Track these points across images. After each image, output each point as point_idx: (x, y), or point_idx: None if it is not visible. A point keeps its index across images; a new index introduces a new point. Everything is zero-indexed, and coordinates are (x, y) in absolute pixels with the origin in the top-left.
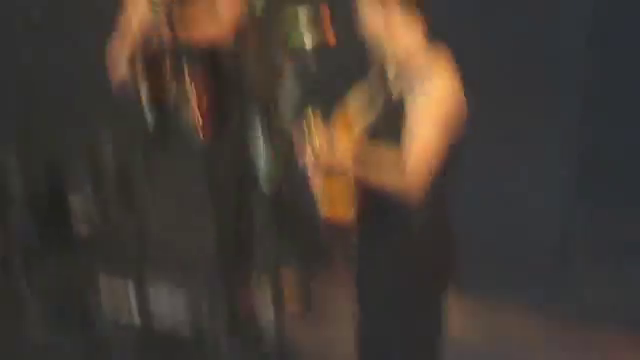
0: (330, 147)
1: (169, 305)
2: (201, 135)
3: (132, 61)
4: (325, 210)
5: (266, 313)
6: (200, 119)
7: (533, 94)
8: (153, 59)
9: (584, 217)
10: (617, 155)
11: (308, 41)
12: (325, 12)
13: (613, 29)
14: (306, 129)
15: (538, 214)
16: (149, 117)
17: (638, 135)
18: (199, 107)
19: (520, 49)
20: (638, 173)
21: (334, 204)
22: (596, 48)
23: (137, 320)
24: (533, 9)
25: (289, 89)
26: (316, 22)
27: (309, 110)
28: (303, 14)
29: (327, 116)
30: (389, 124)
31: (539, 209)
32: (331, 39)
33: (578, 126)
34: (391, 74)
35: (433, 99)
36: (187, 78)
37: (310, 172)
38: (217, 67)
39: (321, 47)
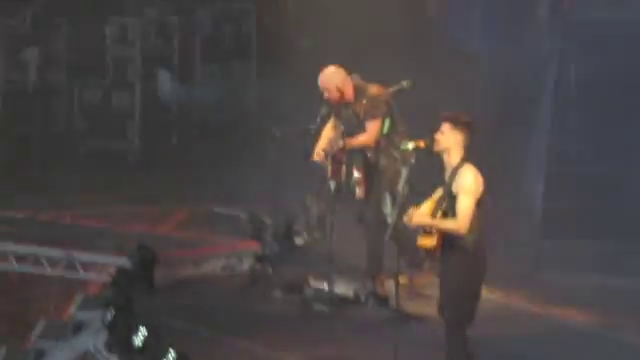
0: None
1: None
2: (360, 194)
3: (326, 154)
4: (421, 242)
5: (391, 291)
6: (361, 186)
7: None
8: (335, 155)
9: None
10: None
11: (411, 145)
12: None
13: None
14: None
15: None
16: (332, 185)
17: None
18: (360, 181)
19: None
20: None
21: (425, 240)
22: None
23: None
24: None
25: (403, 176)
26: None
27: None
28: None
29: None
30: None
31: None
32: (422, 144)
33: None
34: (448, 173)
35: (465, 185)
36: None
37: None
38: (367, 159)
39: (417, 150)
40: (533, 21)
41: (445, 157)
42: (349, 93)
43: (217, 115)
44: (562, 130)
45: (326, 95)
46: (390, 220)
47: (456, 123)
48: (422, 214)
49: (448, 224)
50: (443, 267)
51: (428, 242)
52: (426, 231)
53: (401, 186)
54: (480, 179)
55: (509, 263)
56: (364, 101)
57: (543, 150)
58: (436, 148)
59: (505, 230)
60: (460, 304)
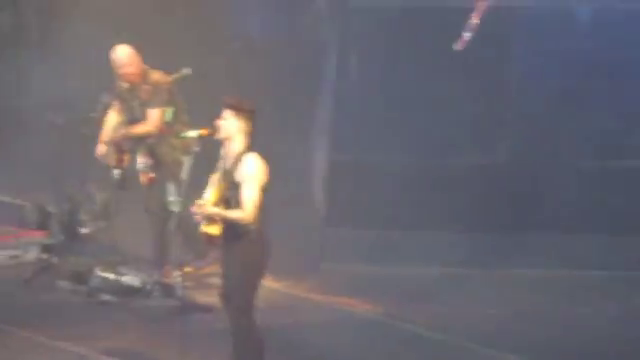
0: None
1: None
2: (144, 182)
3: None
4: (205, 230)
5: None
6: (145, 174)
7: None
8: (117, 142)
9: None
10: None
11: (193, 133)
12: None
13: None
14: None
15: None
16: (115, 173)
17: None
18: (144, 168)
19: None
20: None
21: (208, 228)
22: None
23: None
24: None
25: (187, 164)
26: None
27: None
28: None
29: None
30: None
31: None
32: (205, 132)
33: None
34: (230, 161)
35: (249, 173)
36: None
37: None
38: (150, 147)
39: (201, 138)
40: (311, 9)
41: (228, 144)
42: (138, 75)
43: None
44: (342, 119)
45: (120, 72)
46: (175, 209)
47: (238, 110)
48: (206, 204)
49: (234, 214)
50: (227, 255)
51: (212, 230)
52: (210, 219)
53: (184, 174)
54: (264, 167)
55: (293, 253)
56: (148, 87)
57: (325, 140)
58: (219, 135)
59: (289, 218)
60: (245, 292)
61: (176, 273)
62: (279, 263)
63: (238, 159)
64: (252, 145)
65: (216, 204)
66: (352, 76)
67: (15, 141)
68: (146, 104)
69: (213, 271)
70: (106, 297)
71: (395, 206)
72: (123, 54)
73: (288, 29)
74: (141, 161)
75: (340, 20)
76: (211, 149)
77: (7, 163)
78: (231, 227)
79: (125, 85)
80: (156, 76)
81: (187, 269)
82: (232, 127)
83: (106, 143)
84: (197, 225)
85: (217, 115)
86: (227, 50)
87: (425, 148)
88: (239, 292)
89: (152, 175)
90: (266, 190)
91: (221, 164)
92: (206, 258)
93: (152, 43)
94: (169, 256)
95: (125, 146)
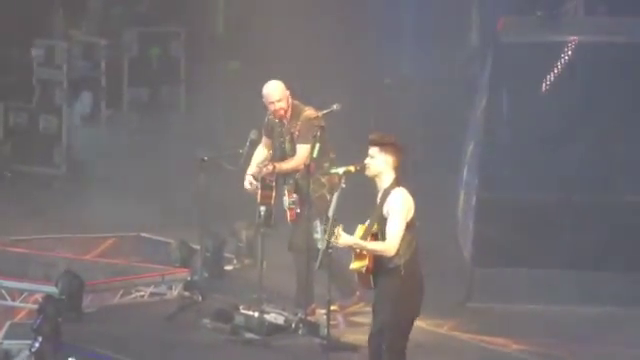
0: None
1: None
2: (291, 219)
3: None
4: (352, 266)
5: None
6: (291, 211)
7: None
8: (264, 179)
9: None
10: None
11: (341, 170)
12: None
13: None
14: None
15: None
16: (261, 210)
17: None
18: (290, 206)
19: None
20: None
21: (357, 263)
22: None
23: None
24: None
25: (334, 201)
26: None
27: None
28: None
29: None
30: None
31: None
32: (352, 169)
33: None
34: (379, 196)
35: (394, 207)
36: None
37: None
38: (297, 184)
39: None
40: (464, 45)
41: (377, 181)
42: (288, 110)
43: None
44: (492, 155)
45: (272, 108)
46: (320, 246)
47: (383, 145)
48: (341, 234)
49: (376, 245)
50: (377, 293)
51: (359, 265)
52: (357, 255)
53: (331, 211)
54: (410, 201)
55: (439, 291)
56: (299, 122)
57: (475, 177)
58: (367, 173)
59: (437, 256)
60: (396, 332)
61: (321, 311)
62: (426, 302)
63: (386, 194)
64: (401, 180)
65: (363, 238)
66: (503, 111)
67: (160, 178)
68: (296, 139)
69: (360, 309)
70: (250, 336)
71: (546, 244)
72: (274, 89)
73: (440, 65)
74: (288, 197)
75: (492, 55)
76: (358, 187)
77: (153, 201)
78: (380, 263)
79: (275, 120)
80: (307, 111)
81: (333, 307)
82: (379, 164)
83: (254, 178)
84: (344, 262)
85: (366, 152)
86: (378, 86)
87: (578, 184)
88: (390, 332)
89: (298, 211)
90: (412, 226)
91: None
92: (353, 296)
93: (302, 77)
94: (314, 294)
95: (272, 182)
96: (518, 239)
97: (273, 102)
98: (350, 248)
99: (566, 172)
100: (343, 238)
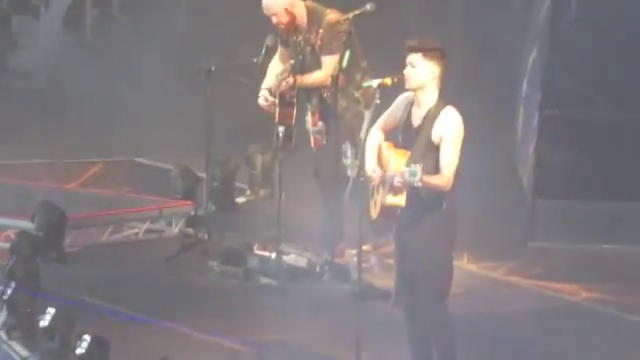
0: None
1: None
2: (316, 144)
3: (273, 94)
4: (389, 202)
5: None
6: (317, 134)
7: None
8: (284, 94)
9: None
10: None
11: (375, 83)
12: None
13: None
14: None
15: None
16: (280, 131)
17: None
18: (315, 127)
19: None
20: None
21: (394, 198)
22: None
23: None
24: None
25: (366, 120)
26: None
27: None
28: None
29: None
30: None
31: None
32: (389, 82)
33: None
34: (421, 116)
35: (450, 132)
36: (308, 107)
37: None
38: (323, 101)
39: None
40: None
41: (419, 96)
42: (302, 18)
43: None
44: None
45: (274, 21)
46: (352, 174)
47: (427, 52)
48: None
49: (435, 179)
50: (411, 233)
51: (398, 199)
52: (394, 187)
53: (364, 132)
54: (463, 128)
55: (495, 228)
56: (320, 30)
57: (537, 94)
58: (408, 86)
59: (492, 189)
60: (440, 275)
61: (351, 252)
62: (478, 241)
63: (433, 114)
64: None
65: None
66: (572, 8)
67: (159, 94)
68: (320, 49)
69: None
70: (266, 281)
71: (621, 173)
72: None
73: None
74: (313, 122)
75: None
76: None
77: (150, 120)
78: (420, 198)
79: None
80: (333, 15)
81: (365, 247)
82: (423, 74)
83: (270, 93)
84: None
85: (401, 60)
86: None
87: None
88: (431, 276)
89: (324, 142)
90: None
91: (403, 121)
92: (389, 233)
93: None
94: (343, 231)
95: (293, 98)
96: (589, 166)
97: (274, 14)
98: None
99: None
100: (424, 177)
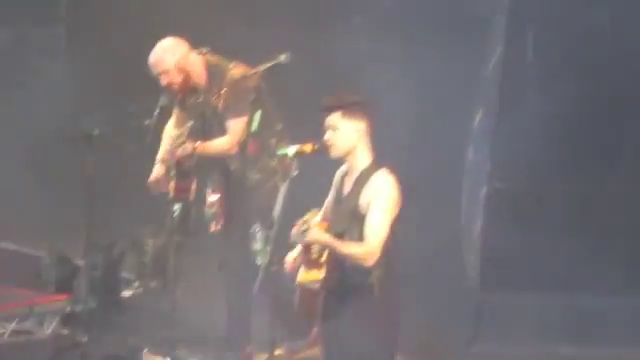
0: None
1: None
2: (218, 227)
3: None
4: (303, 279)
5: None
6: (219, 215)
7: None
8: (180, 165)
9: None
10: None
11: (291, 151)
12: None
13: None
14: (305, 224)
15: None
16: (176, 209)
17: None
18: (218, 207)
19: None
20: None
21: (308, 274)
22: None
23: None
24: None
25: (281, 195)
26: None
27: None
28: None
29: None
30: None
31: None
32: (309, 149)
33: None
34: (352, 181)
35: (380, 197)
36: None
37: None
38: (228, 173)
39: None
40: None
41: (351, 162)
42: (199, 75)
43: None
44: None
45: (164, 81)
46: (262, 262)
47: (348, 108)
48: (313, 224)
49: (352, 247)
50: (336, 321)
51: (313, 276)
52: (311, 261)
53: (277, 211)
54: (398, 192)
55: (434, 327)
56: (223, 88)
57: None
58: (332, 155)
59: (430, 274)
60: None
61: (261, 356)
62: (412, 341)
63: (365, 178)
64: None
65: None
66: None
67: (30, 158)
68: (223, 111)
69: (316, 355)
70: None
71: (582, 259)
72: (159, 55)
73: None
74: (212, 199)
75: None
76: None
77: (19, 193)
78: (342, 276)
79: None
80: (237, 70)
81: (278, 351)
82: (347, 136)
83: (164, 164)
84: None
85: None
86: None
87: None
88: None
89: (228, 214)
90: (395, 227)
91: (337, 189)
92: (307, 335)
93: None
94: (251, 332)
95: (192, 169)
96: (545, 250)
97: (163, 73)
98: (305, 249)
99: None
100: (315, 232)
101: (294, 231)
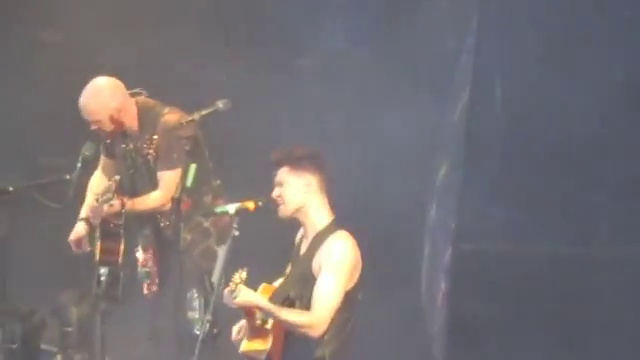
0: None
1: None
2: (150, 291)
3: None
4: (245, 349)
5: None
6: (151, 278)
7: None
8: (107, 223)
9: None
10: None
11: (232, 209)
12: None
13: None
14: (233, 285)
15: None
16: (102, 273)
17: None
18: (149, 269)
19: None
20: None
21: (252, 344)
22: None
23: None
24: None
25: (220, 258)
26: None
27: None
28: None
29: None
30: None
31: None
32: (251, 206)
33: None
34: (306, 244)
35: (332, 260)
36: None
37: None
38: (159, 232)
39: (243, 214)
40: None
41: (304, 222)
42: (131, 120)
43: None
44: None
45: (93, 127)
46: (199, 331)
47: (298, 162)
48: (253, 293)
49: (296, 316)
50: None
51: (257, 347)
52: (256, 330)
53: (216, 276)
54: (358, 257)
55: None
56: (155, 135)
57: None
58: (281, 214)
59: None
60: None
61: None
62: None
63: (320, 240)
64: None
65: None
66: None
67: None
68: (156, 162)
69: None
70: None
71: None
72: (90, 100)
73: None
74: (144, 262)
75: None
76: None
77: None
78: (291, 350)
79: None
80: (167, 116)
81: None
82: (296, 191)
83: (88, 222)
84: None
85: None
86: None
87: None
88: None
89: (155, 288)
90: (353, 298)
91: (295, 250)
92: None
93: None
94: None
95: (119, 229)
96: (522, 321)
97: (95, 121)
98: (247, 315)
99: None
100: (245, 293)
101: (225, 292)
